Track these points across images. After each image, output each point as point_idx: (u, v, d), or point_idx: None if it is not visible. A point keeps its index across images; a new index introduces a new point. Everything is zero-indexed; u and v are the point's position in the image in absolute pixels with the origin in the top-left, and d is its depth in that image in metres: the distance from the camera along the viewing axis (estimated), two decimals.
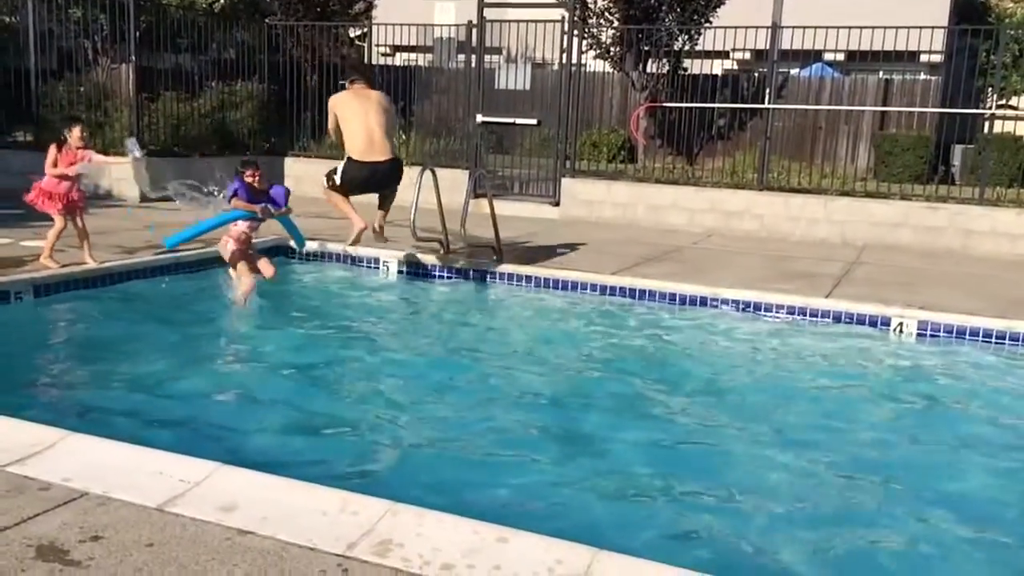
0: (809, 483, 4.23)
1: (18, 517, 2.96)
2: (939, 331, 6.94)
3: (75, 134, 7.34)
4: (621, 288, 7.97)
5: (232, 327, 6.79)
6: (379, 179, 8.20)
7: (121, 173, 12.47)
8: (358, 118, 8.00)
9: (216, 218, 6.89)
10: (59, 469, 3.35)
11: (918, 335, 6.98)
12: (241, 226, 6.97)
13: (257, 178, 6.91)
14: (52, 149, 7.36)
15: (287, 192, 7.18)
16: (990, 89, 15.87)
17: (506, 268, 8.48)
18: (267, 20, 16.28)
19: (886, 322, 7.10)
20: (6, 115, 13.62)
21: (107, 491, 3.18)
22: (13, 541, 2.81)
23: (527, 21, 13.02)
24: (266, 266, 7.28)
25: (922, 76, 18.42)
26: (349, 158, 8.03)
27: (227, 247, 6.99)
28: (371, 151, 7.94)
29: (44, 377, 5.41)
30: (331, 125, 8.31)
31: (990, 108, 13.06)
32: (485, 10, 13.22)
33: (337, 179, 8.17)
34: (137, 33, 12.71)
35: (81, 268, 7.29)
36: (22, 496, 3.12)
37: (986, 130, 13.45)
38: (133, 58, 12.66)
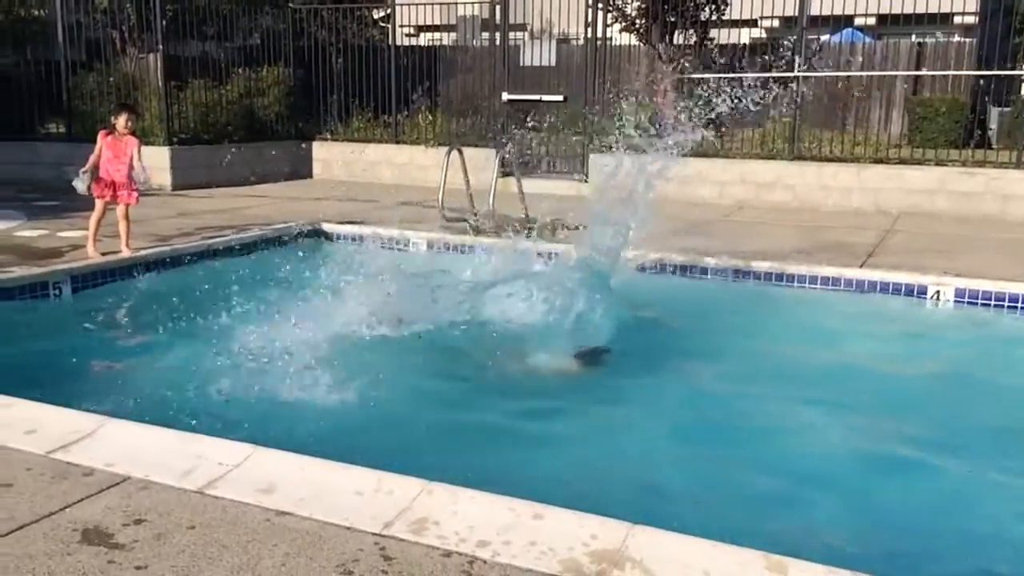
0: None
1: (63, 502, 3.03)
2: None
3: (121, 121, 7.43)
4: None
5: (267, 307, 6.82)
6: None
7: (156, 162, 12.63)
8: None
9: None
10: (101, 455, 3.42)
11: (955, 302, 6.88)
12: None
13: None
14: (99, 138, 7.45)
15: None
16: None
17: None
18: (291, 4, 16.28)
19: (922, 291, 7.00)
20: (38, 107, 13.79)
21: (148, 475, 3.24)
22: (59, 526, 2.87)
23: None
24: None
25: (956, 38, 18.01)
26: None
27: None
28: None
29: (84, 364, 5.50)
30: None
31: None
32: None
33: None
34: (163, 22, 12.79)
35: (117, 257, 7.39)
36: (66, 482, 3.19)
37: (1023, 92, 13.14)
38: (160, 47, 12.75)
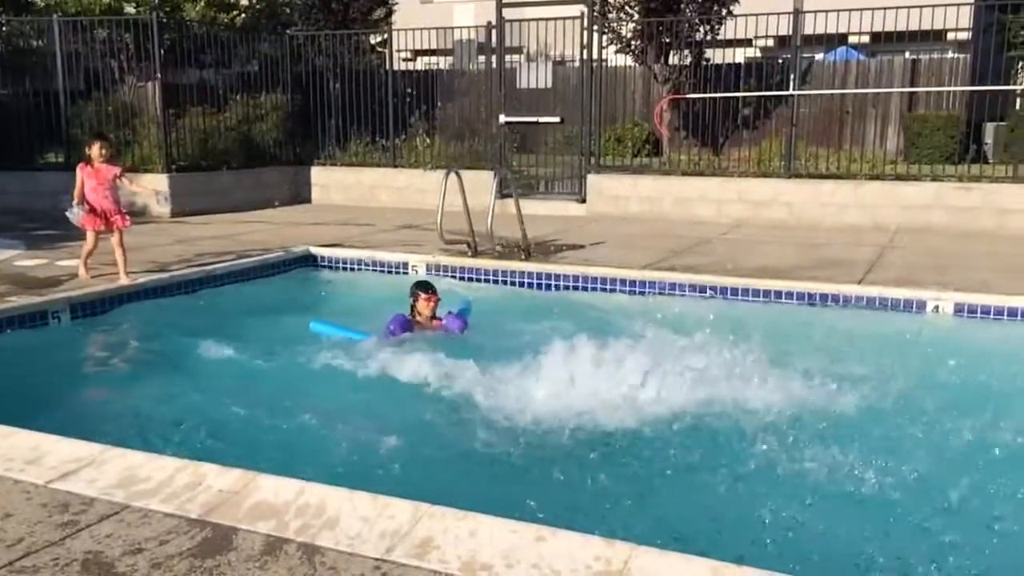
0: None
1: (63, 533, 3.02)
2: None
3: (95, 151, 7.58)
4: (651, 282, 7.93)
5: (266, 336, 6.84)
6: None
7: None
8: None
9: (360, 333, 6.29)
10: (100, 483, 3.41)
11: (955, 316, 6.88)
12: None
13: (433, 304, 6.12)
14: (79, 171, 7.57)
15: (464, 326, 6.21)
16: (1020, 64, 15.58)
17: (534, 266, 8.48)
18: (288, 31, 16.41)
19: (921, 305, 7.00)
20: (37, 137, 13.85)
21: (147, 504, 3.23)
22: (59, 556, 2.86)
23: (546, 19, 13.01)
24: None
25: (950, 54, 18.14)
26: None
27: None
28: None
29: (83, 393, 5.49)
30: None
31: (1021, 84, 12.81)
32: (504, 10, 13.22)
33: None
34: (161, 51, 12.88)
35: (116, 285, 7.40)
36: (67, 512, 3.18)
37: (1018, 106, 13.21)
38: (158, 75, 12.83)
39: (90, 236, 7.64)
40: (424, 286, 6.31)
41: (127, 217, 7.84)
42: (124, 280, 7.50)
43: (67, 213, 7.62)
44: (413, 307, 6.21)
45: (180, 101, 13.51)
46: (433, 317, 6.21)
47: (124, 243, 7.69)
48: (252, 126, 14.74)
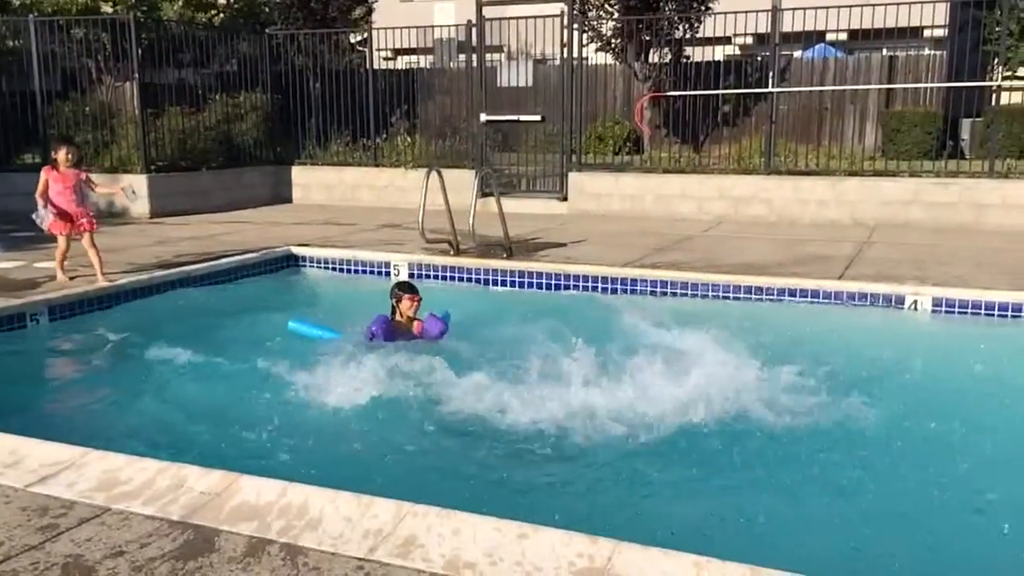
0: None
1: (42, 537, 2.99)
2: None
3: (61, 155, 7.55)
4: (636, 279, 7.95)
5: (246, 337, 6.80)
6: None
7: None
8: None
9: (339, 333, 6.23)
10: (80, 486, 3.38)
11: (933, 311, 6.94)
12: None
13: (415, 305, 6.07)
14: (43, 173, 7.53)
15: (445, 329, 6.14)
16: (996, 60, 15.73)
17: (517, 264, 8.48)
18: (268, 30, 16.33)
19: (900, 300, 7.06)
20: (13, 138, 13.72)
21: (128, 506, 3.21)
22: (39, 560, 2.83)
23: (526, 17, 13.02)
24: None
25: (927, 51, 18.28)
26: None
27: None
28: None
29: (62, 396, 5.45)
30: None
31: (997, 80, 12.93)
32: (484, 8, 13.21)
33: None
34: (139, 50, 12.77)
35: (95, 287, 7.34)
36: (46, 515, 3.15)
37: (994, 102, 13.34)
38: (136, 75, 12.73)
39: (61, 239, 7.64)
40: (407, 287, 6.30)
41: (94, 220, 7.82)
42: (102, 281, 7.45)
43: (33, 216, 7.59)
44: (395, 308, 6.20)
45: (159, 101, 13.42)
46: (414, 318, 6.21)
47: (96, 244, 7.66)
48: (232, 126, 14.66)
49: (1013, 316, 6.74)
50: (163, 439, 4.52)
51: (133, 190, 8.29)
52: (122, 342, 6.46)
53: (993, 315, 6.79)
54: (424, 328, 6.13)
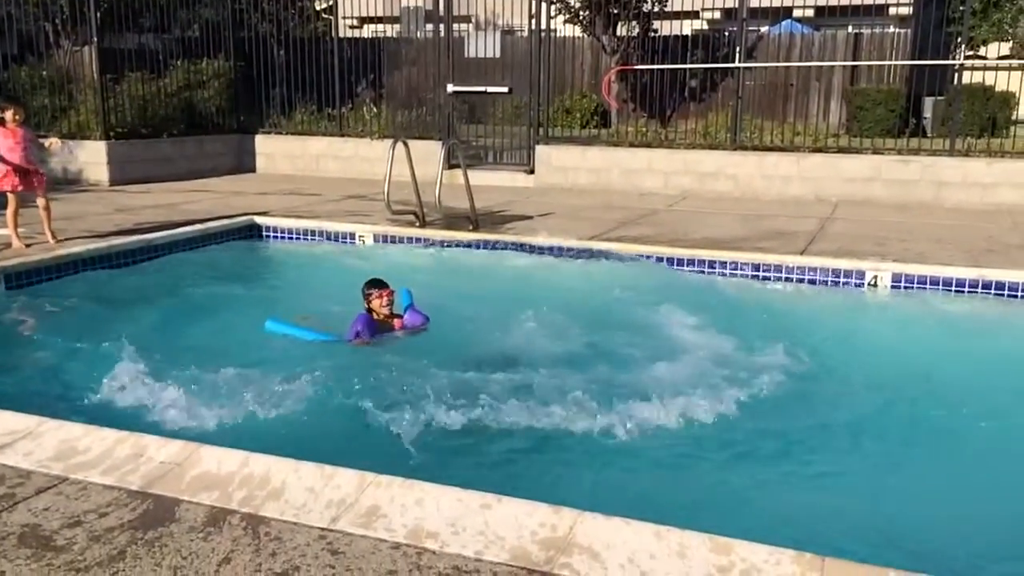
0: None
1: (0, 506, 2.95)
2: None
3: (8, 115, 7.51)
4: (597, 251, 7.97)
5: (207, 306, 6.72)
6: None
7: (92, 157, 12.35)
8: None
9: (321, 334, 5.95)
10: (37, 456, 3.34)
11: (892, 287, 7.05)
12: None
13: (387, 299, 5.92)
14: None
15: (426, 318, 6.08)
16: (959, 39, 15.89)
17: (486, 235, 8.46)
18: None
19: (860, 276, 7.16)
20: None
21: (87, 476, 3.17)
22: None
23: None
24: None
25: (891, 29, 18.44)
26: None
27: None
28: None
29: (18, 365, 5.35)
30: None
31: (959, 59, 13.07)
32: None
33: None
34: (98, 14, 12.46)
35: (52, 255, 7.21)
36: (2, 485, 3.11)
37: (956, 81, 13.49)
38: (95, 39, 12.43)
39: (11, 198, 7.60)
40: (375, 283, 6.17)
41: (43, 175, 7.90)
42: (52, 241, 7.47)
43: None
44: (369, 308, 6.09)
45: (118, 66, 13.12)
46: (392, 315, 6.11)
47: (50, 207, 7.76)
48: (194, 93, 14.40)
49: (970, 291, 6.86)
50: (121, 409, 4.47)
51: (65, 143, 8.40)
52: (79, 311, 6.35)
53: (951, 290, 6.91)
54: (405, 324, 6.08)
